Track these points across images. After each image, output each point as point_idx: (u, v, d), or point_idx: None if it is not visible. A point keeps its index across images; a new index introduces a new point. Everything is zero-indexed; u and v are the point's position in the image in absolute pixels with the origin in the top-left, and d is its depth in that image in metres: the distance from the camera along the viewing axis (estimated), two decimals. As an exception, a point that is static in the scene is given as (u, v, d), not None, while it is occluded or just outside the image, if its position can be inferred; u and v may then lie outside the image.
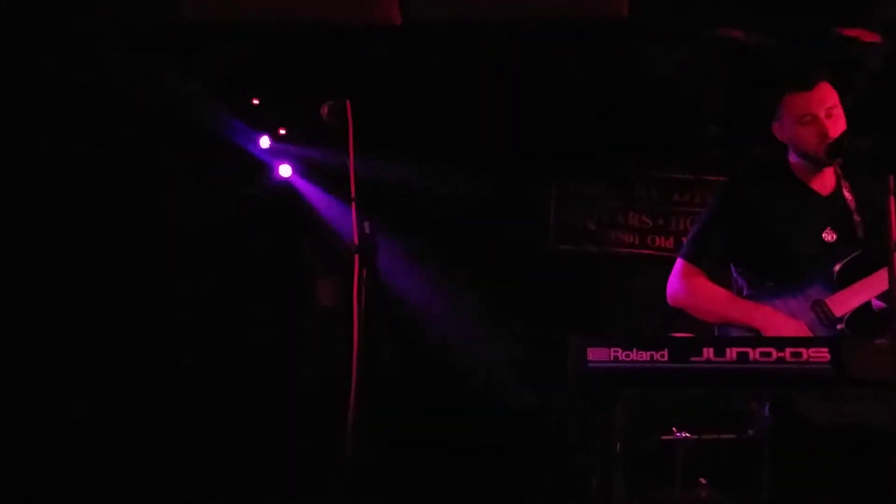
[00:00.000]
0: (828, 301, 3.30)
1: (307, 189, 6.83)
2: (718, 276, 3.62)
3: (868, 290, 3.29)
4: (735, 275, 3.62)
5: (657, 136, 6.80)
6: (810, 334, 3.27)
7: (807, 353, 2.90)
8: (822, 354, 2.89)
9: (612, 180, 7.19)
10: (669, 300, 3.64)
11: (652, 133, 6.78)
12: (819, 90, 3.44)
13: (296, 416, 6.27)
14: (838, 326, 3.29)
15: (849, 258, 3.34)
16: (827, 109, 3.41)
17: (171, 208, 6.19)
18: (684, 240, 3.75)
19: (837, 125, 3.39)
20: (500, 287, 6.69)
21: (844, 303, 3.30)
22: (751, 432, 5.19)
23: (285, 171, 6.78)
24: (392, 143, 6.38)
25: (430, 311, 6.71)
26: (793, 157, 3.55)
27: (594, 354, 2.98)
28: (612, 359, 2.97)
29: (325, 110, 3.66)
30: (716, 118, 6.74)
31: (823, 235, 3.45)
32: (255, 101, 6.34)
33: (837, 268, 3.34)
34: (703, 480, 5.61)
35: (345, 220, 3.59)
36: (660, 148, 6.91)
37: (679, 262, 3.63)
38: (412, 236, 6.57)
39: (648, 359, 2.96)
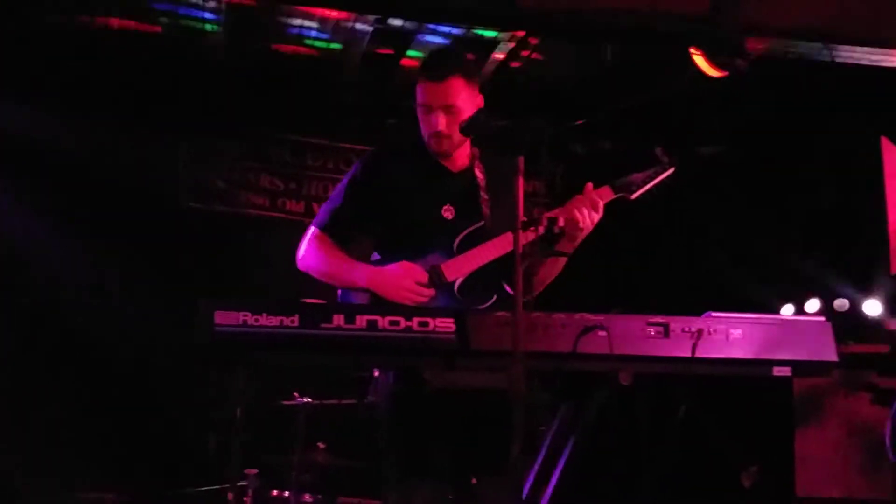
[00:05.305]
0: (442, 266, 3.41)
1: None
2: (351, 245, 3.63)
3: (479, 258, 3.42)
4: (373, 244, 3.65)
5: (295, 98, 6.76)
6: (422, 284, 3.37)
7: (433, 324, 2.98)
8: (448, 325, 2.98)
9: (245, 140, 7.06)
10: (299, 265, 3.62)
11: (288, 95, 6.73)
12: (446, 85, 3.45)
13: None
14: (454, 290, 3.40)
15: (468, 230, 3.47)
16: (445, 106, 3.45)
17: None
18: (315, 205, 3.73)
19: (451, 123, 3.44)
20: (127, 244, 6.38)
21: (457, 269, 3.41)
22: (371, 398, 5.30)
23: None
24: (11, 84, 5.91)
25: (50, 265, 6.28)
26: None
27: (222, 318, 2.90)
28: (240, 323, 2.90)
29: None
30: (355, 86, 6.81)
31: (443, 211, 3.54)
32: None
33: (457, 240, 3.45)
34: (321, 445, 5.66)
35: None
36: (296, 111, 6.87)
37: (311, 229, 3.61)
38: (32, 187, 6.14)
39: (278, 324, 2.92)
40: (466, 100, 3.49)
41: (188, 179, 6.92)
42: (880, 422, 5.30)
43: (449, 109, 3.45)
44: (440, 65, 3.53)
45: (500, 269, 3.39)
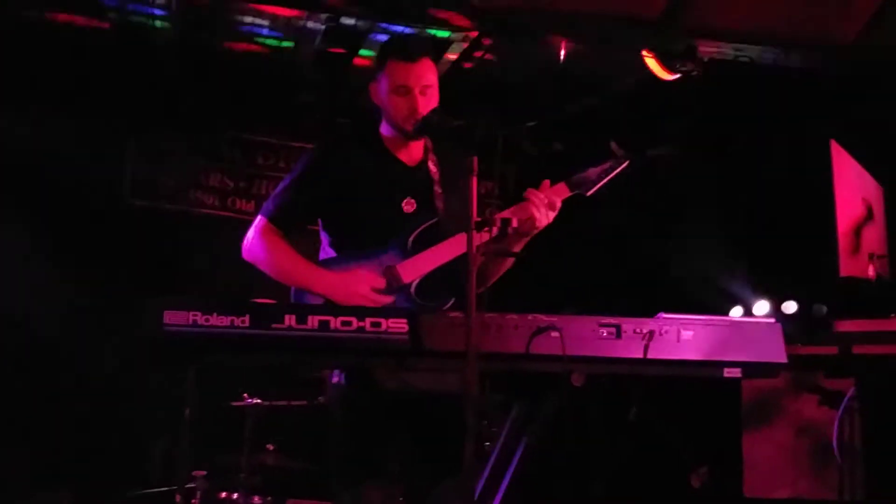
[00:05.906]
0: (398, 267, 3.38)
1: None
2: (298, 238, 3.58)
3: (435, 259, 3.40)
4: (322, 238, 3.60)
5: (246, 96, 6.70)
6: (378, 290, 3.34)
7: (386, 324, 2.95)
8: (401, 325, 2.95)
9: (195, 138, 6.98)
10: (244, 254, 3.54)
11: (241, 93, 6.66)
12: (420, 65, 3.47)
13: None
14: (411, 291, 3.37)
15: (422, 227, 3.44)
16: (423, 87, 3.46)
17: None
18: (269, 200, 3.66)
19: (429, 104, 3.46)
20: (72, 243, 6.26)
21: (413, 270, 3.39)
22: (322, 399, 5.27)
23: None
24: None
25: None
26: (384, 127, 3.59)
27: (171, 318, 2.85)
28: (190, 323, 2.85)
29: None
30: (307, 85, 6.75)
31: (403, 205, 3.51)
32: None
33: (412, 237, 3.42)
34: (270, 446, 5.61)
35: None
36: (248, 109, 6.81)
37: (259, 219, 3.55)
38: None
39: (229, 324, 2.88)
40: (436, 82, 3.51)
41: (135, 177, 6.82)
42: (828, 423, 5.36)
43: (425, 90, 3.45)
44: (412, 45, 3.53)
45: (458, 269, 3.37)
